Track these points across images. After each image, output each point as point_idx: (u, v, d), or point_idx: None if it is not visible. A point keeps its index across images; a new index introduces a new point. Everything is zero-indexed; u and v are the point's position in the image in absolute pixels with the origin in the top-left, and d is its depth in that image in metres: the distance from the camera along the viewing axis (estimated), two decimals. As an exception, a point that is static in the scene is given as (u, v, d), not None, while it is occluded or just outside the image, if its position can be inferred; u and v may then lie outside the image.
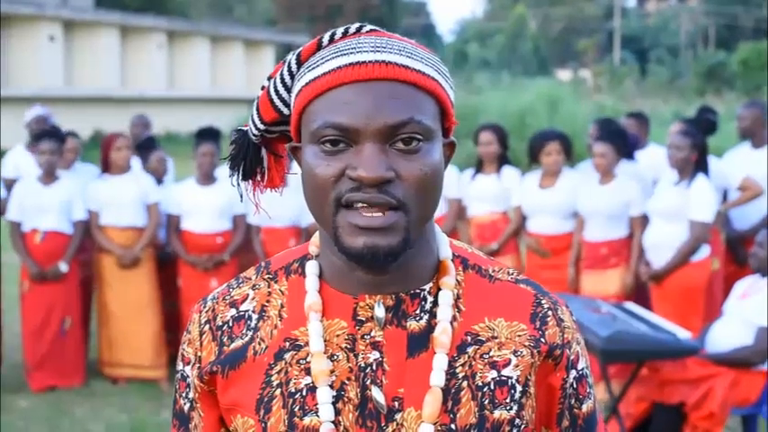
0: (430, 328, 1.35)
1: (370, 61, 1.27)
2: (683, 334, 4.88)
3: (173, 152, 7.62)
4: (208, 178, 7.02)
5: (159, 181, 7.30)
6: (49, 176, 6.78)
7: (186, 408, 1.45)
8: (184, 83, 30.77)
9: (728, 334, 4.99)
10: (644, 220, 6.28)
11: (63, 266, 6.71)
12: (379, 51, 1.29)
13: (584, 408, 1.44)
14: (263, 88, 1.41)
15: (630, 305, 5.52)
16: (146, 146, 7.64)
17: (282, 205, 6.25)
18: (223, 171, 7.36)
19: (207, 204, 6.92)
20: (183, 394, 1.45)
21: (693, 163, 5.99)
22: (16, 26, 24.92)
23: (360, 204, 1.26)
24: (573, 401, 1.42)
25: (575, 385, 1.42)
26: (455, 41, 66.59)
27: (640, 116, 8.15)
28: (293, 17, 47.86)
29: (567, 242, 6.68)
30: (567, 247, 6.67)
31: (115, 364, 6.97)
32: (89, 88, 26.40)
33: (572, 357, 1.41)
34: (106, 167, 6.92)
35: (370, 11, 46.18)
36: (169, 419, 6.32)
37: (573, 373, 1.41)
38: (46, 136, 6.82)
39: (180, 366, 1.46)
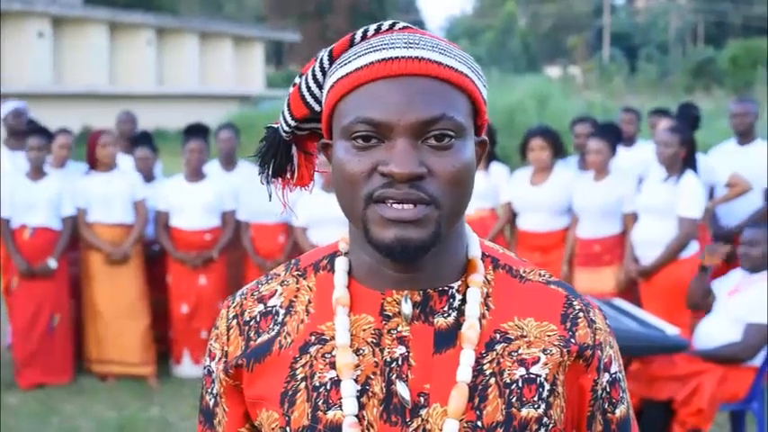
0: (458, 324, 1.34)
1: (403, 57, 1.27)
2: (672, 330, 4.89)
3: (161, 149, 7.58)
4: (196, 175, 7.00)
5: (148, 178, 7.28)
6: (37, 172, 6.75)
7: (211, 403, 1.45)
8: (173, 79, 30.70)
9: (717, 330, 5.00)
10: (636, 217, 6.29)
11: (52, 263, 6.69)
12: (412, 47, 1.28)
13: (618, 412, 1.42)
14: (294, 85, 1.40)
15: (619, 301, 5.52)
16: (138, 141, 7.61)
17: (272, 200, 6.23)
18: (211, 167, 7.35)
19: (195, 201, 6.90)
20: (209, 390, 1.45)
21: (682, 159, 6.00)
22: (5, 22, 24.82)
23: (391, 201, 1.25)
24: (606, 405, 1.40)
25: (608, 389, 1.40)
26: (444, 38, 66.50)
27: (633, 111, 8.23)
28: (283, 14, 47.75)
29: (558, 239, 6.68)
30: (559, 243, 6.67)
31: (104, 362, 6.95)
32: (78, 85, 26.31)
33: (605, 360, 1.39)
34: (93, 164, 6.90)
35: (361, 7, 46.11)
36: (157, 416, 6.33)
37: (606, 376, 1.39)
38: (34, 132, 6.80)
39: (207, 362, 1.46)
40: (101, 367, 6.96)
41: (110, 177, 6.85)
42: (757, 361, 4.93)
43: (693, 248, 5.98)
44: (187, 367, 7.02)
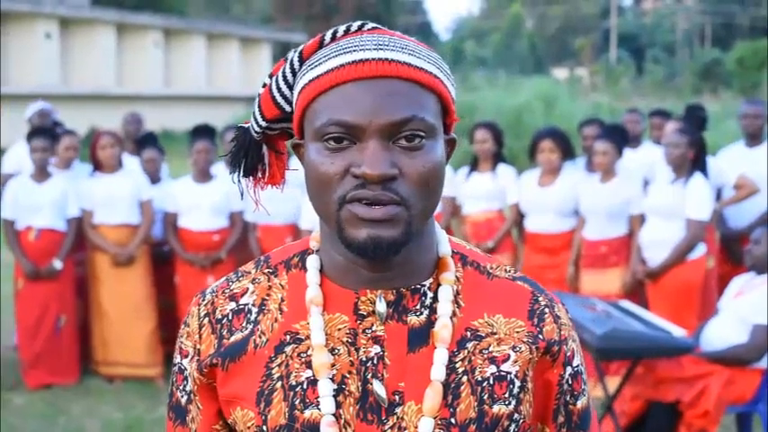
0: (430, 323, 1.36)
1: (373, 59, 1.28)
2: (679, 332, 4.88)
3: (169, 150, 7.60)
4: (204, 176, 7.00)
5: (154, 180, 7.29)
6: (42, 174, 6.76)
7: (183, 401, 1.45)
8: (181, 81, 30.73)
9: (723, 332, 4.99)
10: (643, 219, 6.29)
11: (57, 264, 6.69)
12: (381, 49, 1.29)
13: (579, 404, 1.46)
14: (264, 86, 1.42)
15: (626, 303, 5.52)
16: (144, 142, 7.62)
17: (279, 202, 6.24)
18: (219, 168, 7.36)
19: (203, 202, 6.90)
20: (181, 387, 1.45)
21: (690, 161, 6.00)
22: (13, 23, 24.86)
23: (364, 201, 1.27)
24: (568, 398, 1.44)
25: (570, 382, 1.43)
26: (451, 39, 66.62)
27: (637, 112, 8.26)
28: (290, 15, 47.78)
29: (566, 240, 6.67)
30: (567, 245, 6.66)
31: (110, 363, 6.95)
32: (85, 86, 26.34)
33: (568, 354, 1.43)
34: (97, 166, 6.91)
35: (367, 9, 46.12)
36: (163, 417, 6.30)
37: (569, 369, 1.43)
38: (38, 133, 6.80)
39: (177, 359, 1.46)
40: (107, 369, 6.96)
41: (115, 178, 6.85)
42: (764, 363, 4.91)
43: (701, 250, 5.98)
44: (194, 368, 7.01)
